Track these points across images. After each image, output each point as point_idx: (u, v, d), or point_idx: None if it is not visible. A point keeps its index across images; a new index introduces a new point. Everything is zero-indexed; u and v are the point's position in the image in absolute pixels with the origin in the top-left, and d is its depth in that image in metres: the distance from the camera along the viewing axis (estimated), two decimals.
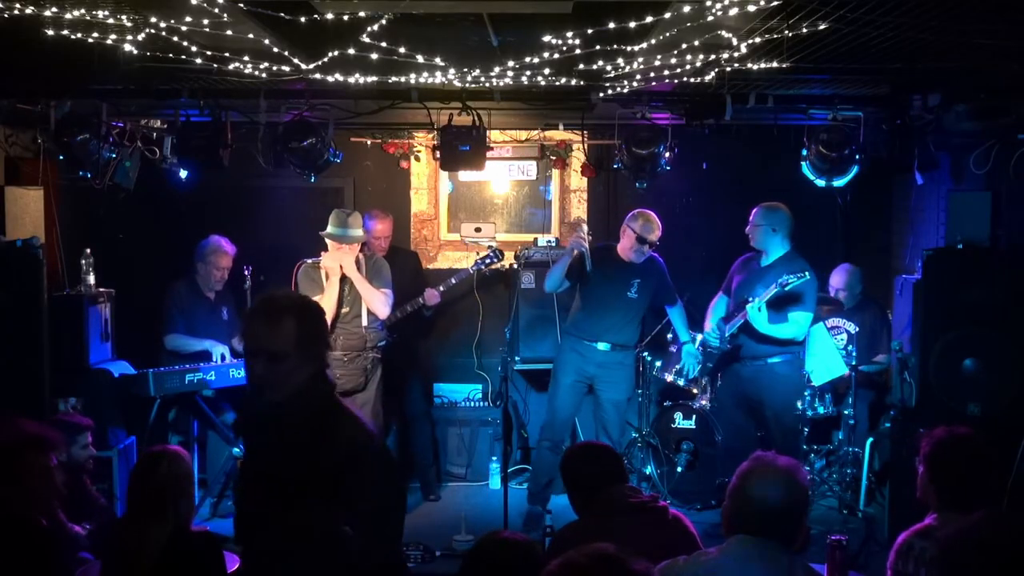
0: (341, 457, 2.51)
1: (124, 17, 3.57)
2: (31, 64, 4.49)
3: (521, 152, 6.92)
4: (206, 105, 5.23)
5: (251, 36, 3.76)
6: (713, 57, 4.06)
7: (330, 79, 4.42)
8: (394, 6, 3.36)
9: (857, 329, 6.05)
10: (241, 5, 3.34)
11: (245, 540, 2.63)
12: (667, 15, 3.40)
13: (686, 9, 3.30)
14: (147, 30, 3.67)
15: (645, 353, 6.11)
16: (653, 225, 5.61)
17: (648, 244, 5.61)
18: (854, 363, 5.80)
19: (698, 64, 4.15)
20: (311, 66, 4.20)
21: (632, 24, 3.47)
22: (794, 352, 5.60)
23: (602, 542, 1.96)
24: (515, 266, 6.57)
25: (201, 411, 5.74)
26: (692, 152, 6.03)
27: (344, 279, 5.29)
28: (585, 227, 5.71)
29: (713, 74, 4.44)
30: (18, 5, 3.40)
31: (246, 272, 5.91)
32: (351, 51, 3.84)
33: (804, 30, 3.58)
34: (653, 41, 3.77)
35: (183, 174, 5.69)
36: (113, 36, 3.77)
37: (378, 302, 5.36)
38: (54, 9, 3.47)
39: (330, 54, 3.97)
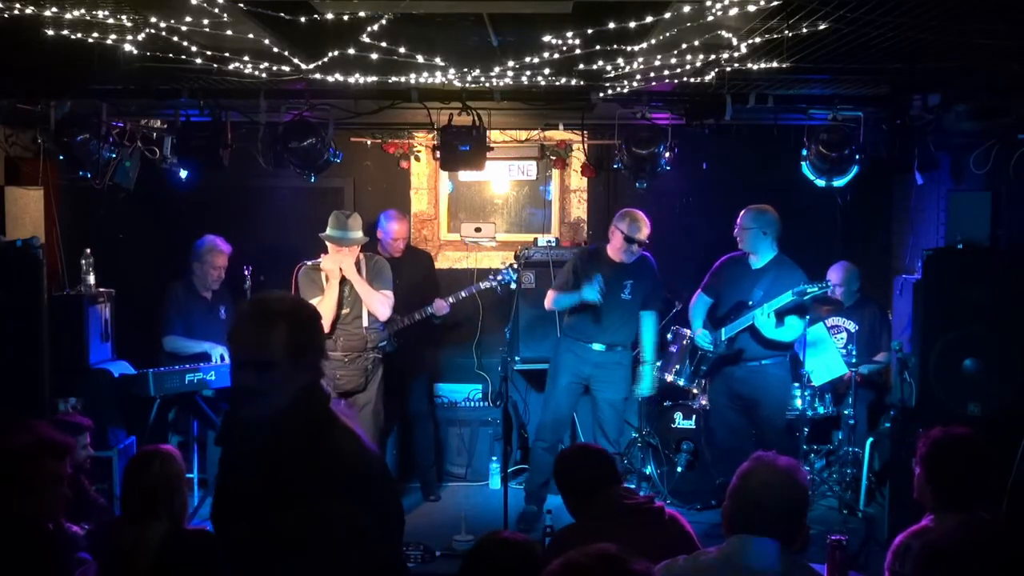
0: (333, 474, 2.31)
1: (124, 17, 3.57)
2: (31, 64, 4.49)
3: (521, 152, 6.91)
4: (206, 105, 5.23)
5: (251, 36, 3.76)
6: (713, 57, 4.06)
7: (330, 79, 4.42)
8: (394, 6, 3.36)
9: (857, 327, 6.04)
10: (241, 5, 3.34)
11: (232, 557, 2.50)
12: (667, 15, 3.40)
13: (686, 9, 3.30)
14: (147, 30, 3.67)
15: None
16: (640, 224, 5.53)
17: (636, 243, 5.53)
18: (854, 363, 5.81)
19: (698, 64, 4.15)
20: (311, 66, 4.19)
21: (632, 24, 3.47)
22: (785, 355, 5.63)
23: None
24: (515, 266, 6.57)
25: (201, 411, 5.74)
26: (692, 152, 6.02)
27: (344, 280, 5.29)
28: (601, 278, 5.45)
29: (713, 74, 4.44)
30: (18, 5, 3.40)
31: (246, 272, 5.89)
32: (351, 51, 3.84)
33: (804, 30, 3.58)
34: (653, 41, 3.77)
35: (183, 174, 5.69)
36: (113, 36, 3.77)
37: (378, 304, 5.36)
38: (54, 9, 3.47)
39: (330, 54, 3.97)
